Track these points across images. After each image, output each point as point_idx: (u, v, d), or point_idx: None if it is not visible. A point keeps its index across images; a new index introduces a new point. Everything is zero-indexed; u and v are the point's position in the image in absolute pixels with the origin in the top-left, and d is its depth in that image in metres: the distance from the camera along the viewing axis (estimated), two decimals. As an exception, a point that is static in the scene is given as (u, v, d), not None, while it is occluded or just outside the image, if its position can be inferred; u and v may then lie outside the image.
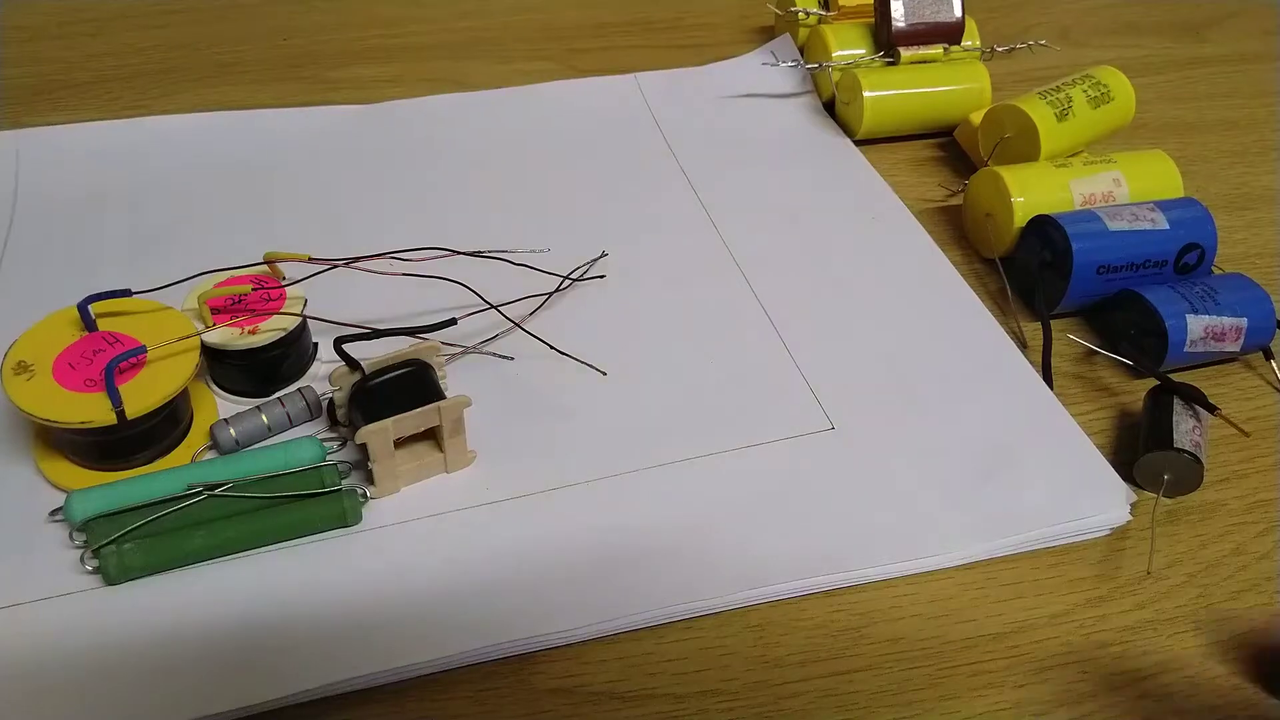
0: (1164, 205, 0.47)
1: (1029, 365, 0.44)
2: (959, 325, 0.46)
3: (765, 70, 0.63)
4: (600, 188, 0.53)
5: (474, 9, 0.72)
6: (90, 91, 0.60)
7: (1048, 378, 0.44)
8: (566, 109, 0.59)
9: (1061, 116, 0.53)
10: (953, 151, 0.60)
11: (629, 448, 0.40)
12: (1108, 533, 0.38)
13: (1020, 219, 0.48)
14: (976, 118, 0.57)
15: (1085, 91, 0.54)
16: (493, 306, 0.43)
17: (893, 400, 0.43)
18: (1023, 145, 0.53)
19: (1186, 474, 0.39)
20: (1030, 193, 0.49)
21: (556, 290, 0.45)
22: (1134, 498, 0.39)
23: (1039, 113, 0.52)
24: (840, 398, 0.42)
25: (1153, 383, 0.43)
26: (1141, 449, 0.40)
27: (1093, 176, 0.50)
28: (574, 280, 0.46)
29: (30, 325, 0.38)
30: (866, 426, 0.41)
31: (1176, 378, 0.42)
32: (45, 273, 0.47)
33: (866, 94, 0.57)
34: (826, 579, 0.36)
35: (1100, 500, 0.39)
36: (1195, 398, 0.41)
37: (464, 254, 0.43)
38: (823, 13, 0.64)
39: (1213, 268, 0.48)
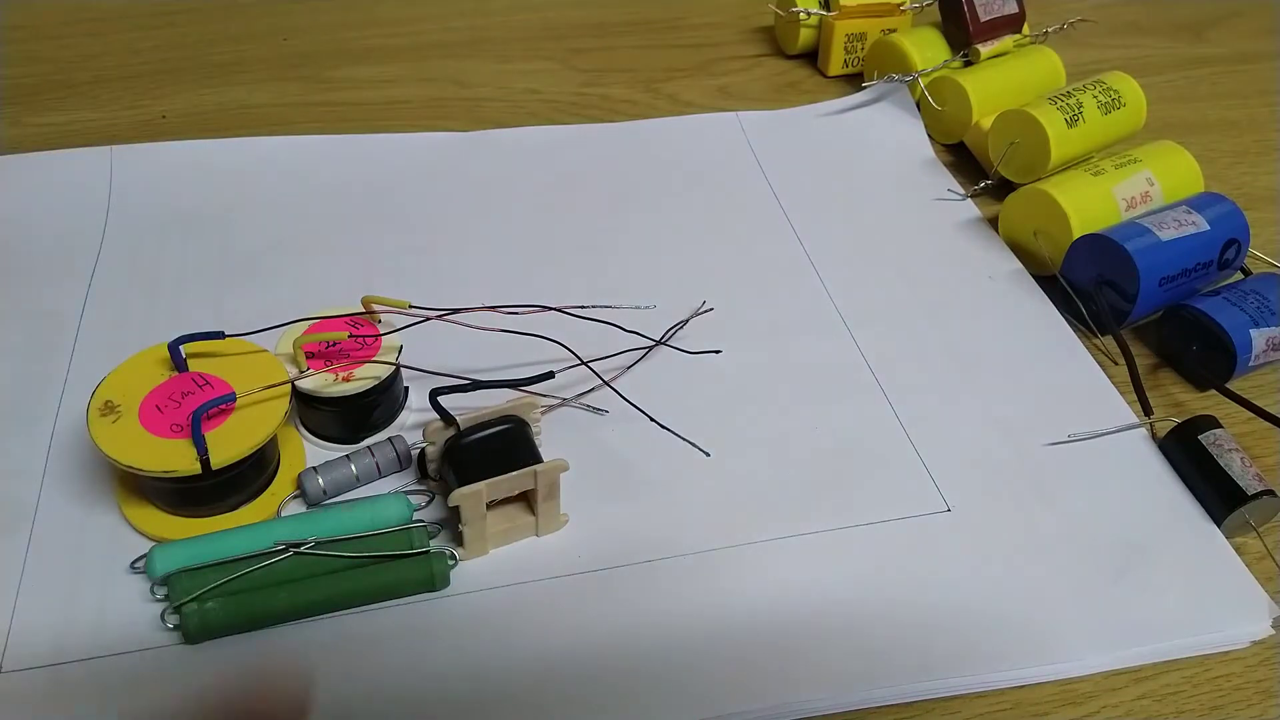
0: (1196, 205, 0.47)
1: (1158, 454, 0.41)
2: (1083, 403, 0.43)
3: (873, 112, 0.60)
4: (701, 232, 0.51)
5: (473, 9, 0.71)
6: (90, 91, 0.60)
7: (1143, 400, 0.43)
8: (664, 146, 0.57)
9: (1072, 123, 0.52)
10: (960, 155, 0.59)
11: (726, 521, 0.38)
12: (1247, 644, 0.35)
13: (1079, 234, 0.47)
14: (986, 122, 0.56)
15: (1096, 97, 0.53)
16: (585, 364, 0.40)
17: (1014, 481, 0.40)
18: (1032, 151, 0.52)
19: (1266, 508, 0.38)
20: (1084, 209, 0.48)
21: (653, 347, 0.43)
22: (1277, 611, 0.36)
23: (1049, 118, 0.51)
24: (957, 477, 0.40)
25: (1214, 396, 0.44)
26: (1220, 509, 0.38)
27: (1129, 179, 0.49)
28: (676, 348, 0.44)
29: (117, 350, 0.37)
30: (986, 510, 0.39)
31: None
32: (135, 294, 0.45)
33: (973, 96, 0.57)
34: (941, 684, 0.33)
35: (1239, 610, 0.36)
36: (1209, 425, 0.40)
37: (567, 312, 0.41)
38: (824, 13, 0.64)
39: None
